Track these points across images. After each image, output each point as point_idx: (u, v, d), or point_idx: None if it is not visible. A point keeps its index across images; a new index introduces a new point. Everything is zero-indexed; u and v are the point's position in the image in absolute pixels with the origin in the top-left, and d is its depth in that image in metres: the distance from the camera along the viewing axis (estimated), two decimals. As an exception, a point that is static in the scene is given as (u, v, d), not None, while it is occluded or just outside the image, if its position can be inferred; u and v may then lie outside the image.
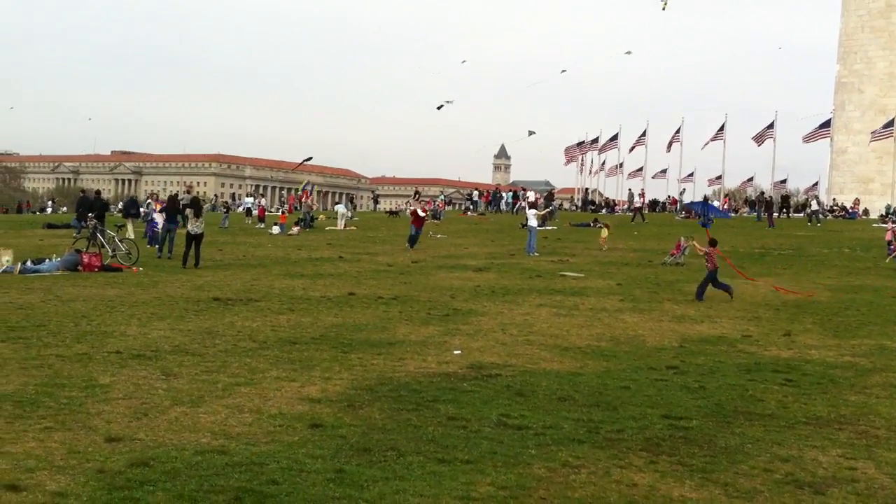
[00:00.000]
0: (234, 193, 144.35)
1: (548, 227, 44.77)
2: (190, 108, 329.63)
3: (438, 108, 64.34)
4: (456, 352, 12.65)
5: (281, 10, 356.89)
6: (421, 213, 34.18)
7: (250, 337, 13.36)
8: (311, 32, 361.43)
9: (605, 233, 35.13)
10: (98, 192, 37.43)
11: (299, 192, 56.16)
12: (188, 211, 25.10)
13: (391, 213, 66.11)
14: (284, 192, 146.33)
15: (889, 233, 32.75)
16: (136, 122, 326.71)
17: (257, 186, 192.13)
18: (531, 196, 67.33)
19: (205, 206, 26.58)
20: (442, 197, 70.28)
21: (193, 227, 24.28)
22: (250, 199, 60.92)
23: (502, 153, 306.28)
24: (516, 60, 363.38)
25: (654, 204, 72.48)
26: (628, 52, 71.72)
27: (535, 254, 30.55)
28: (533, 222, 32.52)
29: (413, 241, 32.70)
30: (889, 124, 60.56)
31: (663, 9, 54.15)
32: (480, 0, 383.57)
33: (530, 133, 79.43)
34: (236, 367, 11.13)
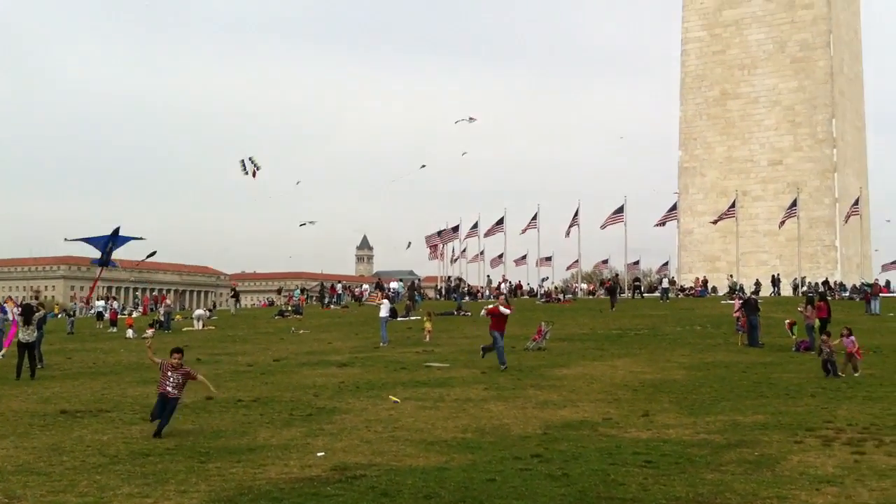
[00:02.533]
0: (85, 297, 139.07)
1: (411, 318, 44.85)
2: (35, 210, 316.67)
3: (301, 225, 65.18)
4: (319, 454, 12.33)
5: (127, 103, 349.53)
6: (505, 311, 24.14)
7: (100, 451, 12.67)
8: (160, 127, 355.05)
9: (428, 324, 33.49)
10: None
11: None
12: (18, 318, 23.96)
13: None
14: (139, 294, 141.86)
15: (736, 308, 34.23)
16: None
17: (110, 288, 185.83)
18: (394, 285, 67.57)
19: (41, 313, 25.28)
20: (298, 291, 69.44)
21: (24, 335, 23.11)
22: (101, 303, 58.56)
23: (364, 244, 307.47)
24: (378, 153, 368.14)
25: (515, 289, 73.81)
26: (464, 153, 74.95)
27: (385, 343, 31.16)
28: (384, 313, 32.96)
29: (502, 354, 23.02)
30: (732, 206, 64.04)
31: (460, 122, 57.47)
32: (340, 95, 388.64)
33: (297, 183, 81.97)
34: (85, 485, 10.50)
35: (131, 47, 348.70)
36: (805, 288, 58.21)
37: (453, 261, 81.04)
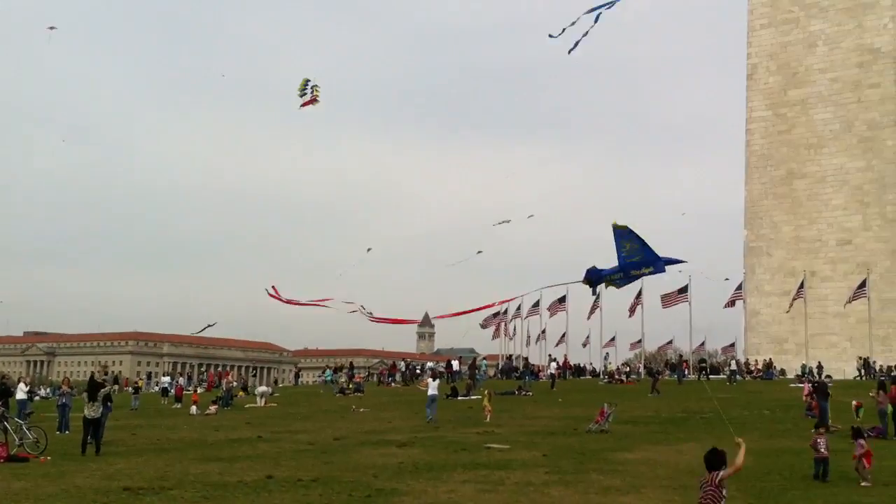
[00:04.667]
0: (150, 372, 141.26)
1: (472, 397, 44.51)
2: (106, 287, 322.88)
3: (352, 311, 65.33)
4: (378, 537, 12.20)
5: (195, 183, 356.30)
6: None
7: (161, 530, 12.70)
8: (226, 207, 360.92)
9: (487, 403, 33.30)
10: (2, 376, 36.21)
11: None
12: (84, 394, 24.36)
13: None
14: (203, 370, 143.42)
15: (806, 392, 33.39)
16: (50, 303, 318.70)
17: (175, 364, 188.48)
18: (455, 365, 67.23)
19: (106, 389, 25.69)
20: (329, 373, 69.14)
21: (89, 411, 23.48)
22: (167, 379, 59.30)
23: (426, 321, 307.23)
24: (439, 231, 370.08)
25: (578, 370, 72.88)
26: (530, 216, 73.49)
27: (431, 420, 31.80)
28: (433, 391, 33.30)
29: None
30: (800, 287, 62.84)
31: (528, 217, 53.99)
32: (405, 172, 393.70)
33: (368, 250, 75.96)
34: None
35: (201, 125, 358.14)
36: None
37: (512, 338, 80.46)
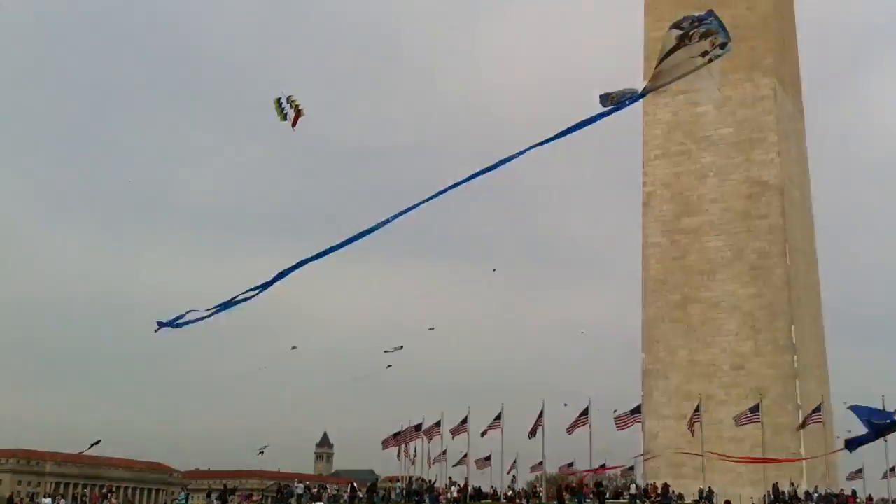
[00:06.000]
0: (31, 493, 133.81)
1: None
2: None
3: (259, 453, 65.70)
4: None
5: (81, 294, 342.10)
6: None
7: None
8: (116, 320, 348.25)
9: None
10: None
11: None
12: None
13: None
14: (87, 491, 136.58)
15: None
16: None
17: (58, 484, 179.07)
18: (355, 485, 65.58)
19: None
20: (183, 496, 66.88)
21: None
22: (48, 501, 56.15)
23: (325, 441, 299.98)
24: (337, 348, 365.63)
25: (478, 493, 71.79)
26: (431, 328, 74.72)
27: None
28: None
29: None
30: (696, 410, 63.62)
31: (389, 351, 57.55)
32: (304, 288, 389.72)
33: (293, 348, 76.50)
34: None
35: (89, 237, 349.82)
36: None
37: (413, 460, 79.26)
